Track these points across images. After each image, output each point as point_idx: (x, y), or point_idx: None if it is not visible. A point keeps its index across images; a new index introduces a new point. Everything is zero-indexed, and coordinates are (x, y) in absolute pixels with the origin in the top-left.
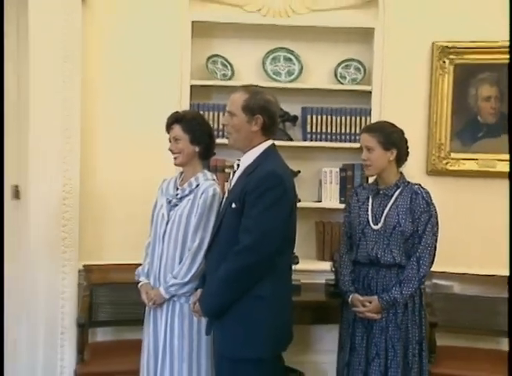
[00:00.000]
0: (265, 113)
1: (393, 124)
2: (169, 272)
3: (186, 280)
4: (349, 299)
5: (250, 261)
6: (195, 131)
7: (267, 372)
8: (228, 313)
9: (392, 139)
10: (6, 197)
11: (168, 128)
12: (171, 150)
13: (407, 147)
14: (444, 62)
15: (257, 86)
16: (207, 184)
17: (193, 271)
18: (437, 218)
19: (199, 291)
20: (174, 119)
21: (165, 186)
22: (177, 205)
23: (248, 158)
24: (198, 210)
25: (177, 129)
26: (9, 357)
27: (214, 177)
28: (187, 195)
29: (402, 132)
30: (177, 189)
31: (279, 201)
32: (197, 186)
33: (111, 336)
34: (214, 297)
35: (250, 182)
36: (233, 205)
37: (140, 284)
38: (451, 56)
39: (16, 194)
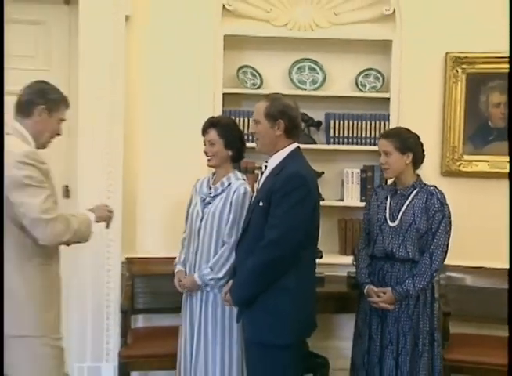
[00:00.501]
0: (286, 117)
1: (409, 130)
2: (204, 263)
3: (221, 275)
4: (365, 290)
5: (275, 255)
6: (229, 137)
7: (292, 356)
8: (256, 303)
9: (408, 143)
10: (58, 196)
11: (204, 131)
12: (205, 153)
13: (423, 151)
14: (457, 71)
15: (278, 94)
16: (238, 183)
17: (228, 265)
18: (450, 217)
19: (230, 282)
20: (210, 124)
21: (199, 185)
22: (210, 203)
23: (274, 160)
24: (232, 207)
25: (212, 133)
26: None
27: (244, 177)
28: (220, 193)
29: (417, 137)
30: (210, 188)
31: (302, 201)
32: (229, 185)
33: (151, 322)
34: (243, 288)
35: (277, 183)
36: (261, 204)
37: (176, 271)
38: (463, 66)
39: (67, 193)
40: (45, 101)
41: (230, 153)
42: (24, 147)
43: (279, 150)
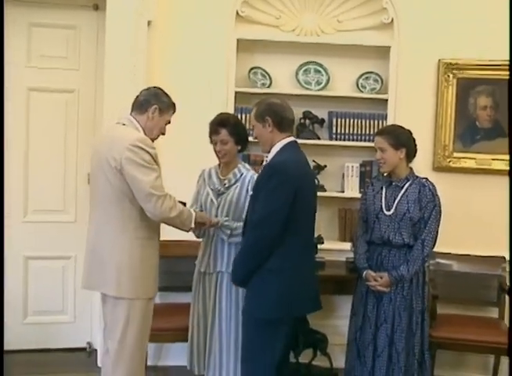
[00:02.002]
0: (271, 113)
1: (401, 127)
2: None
3: (231, 240)
4: (363, 274)
5: (257, 235)
6: (238, 134)
7: (280, 330)
8: (250, 282)
9: (401, 139)
10: (84, 182)
11: (215, 132)
12: (218, 152)
13: (415, 145)
14: (448, 76)
15: (264, 99)
16: (250, 173)
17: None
18: (440, 207)
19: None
20: (220, 124)
21: (207, 176)
22: (224, 193)
23: (271, 154)
24: (248, 194)
25: (224, 133)
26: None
27: (249, 167)
28: (233, 184)
29: (410, 133)
30: (219, 179)
31: (280, 187)
32: (241, 175)
33: (166, 299)
34: (237, 268)
35: (260, 172)
36: (250, 193)
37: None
38: (454, 71)
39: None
40: (158, 102)
41: (239, 148)
42: (138, 134)
43: (275, 144)
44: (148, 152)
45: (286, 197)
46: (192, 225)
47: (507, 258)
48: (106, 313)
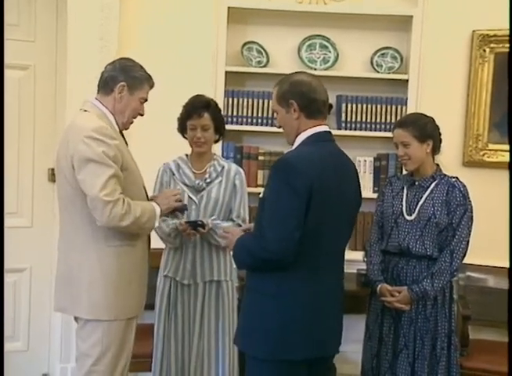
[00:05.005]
0: (295, 94)
1: (424, 115)
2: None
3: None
4: (378, 288)
5: (264, 257)
6: (219, 120)
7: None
8: (243, 302)
9: (427, 130)
10: (43, 179)
11: (198, 115)
12: (198, 139)
13: (440, 134)
14: (484, 50)
15: (290, 74)
16: (234, 165)
17: None
18: (472, 212)
19: (237, 229)
20: (205, 106)
21: (175, 170)
22: (204, 189)
23: (293, 147)
24: (237, 189)
25: (207, 117)
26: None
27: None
28: (215, 178)
29: (433, 121)
30: (194, 173)
31: (288, 186)
32: (222, 168)
33: None
34: (245, 257)
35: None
36: (260, 195)
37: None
38: (492, 45)
39: (53, 177)
40: (126, 78)
41: (217, 137)
42: (96, 122)
43: (300, 134)
44: (105, 143)
45: (294, 201)
46: (156, 225)
47: None
48: (77, 338)
